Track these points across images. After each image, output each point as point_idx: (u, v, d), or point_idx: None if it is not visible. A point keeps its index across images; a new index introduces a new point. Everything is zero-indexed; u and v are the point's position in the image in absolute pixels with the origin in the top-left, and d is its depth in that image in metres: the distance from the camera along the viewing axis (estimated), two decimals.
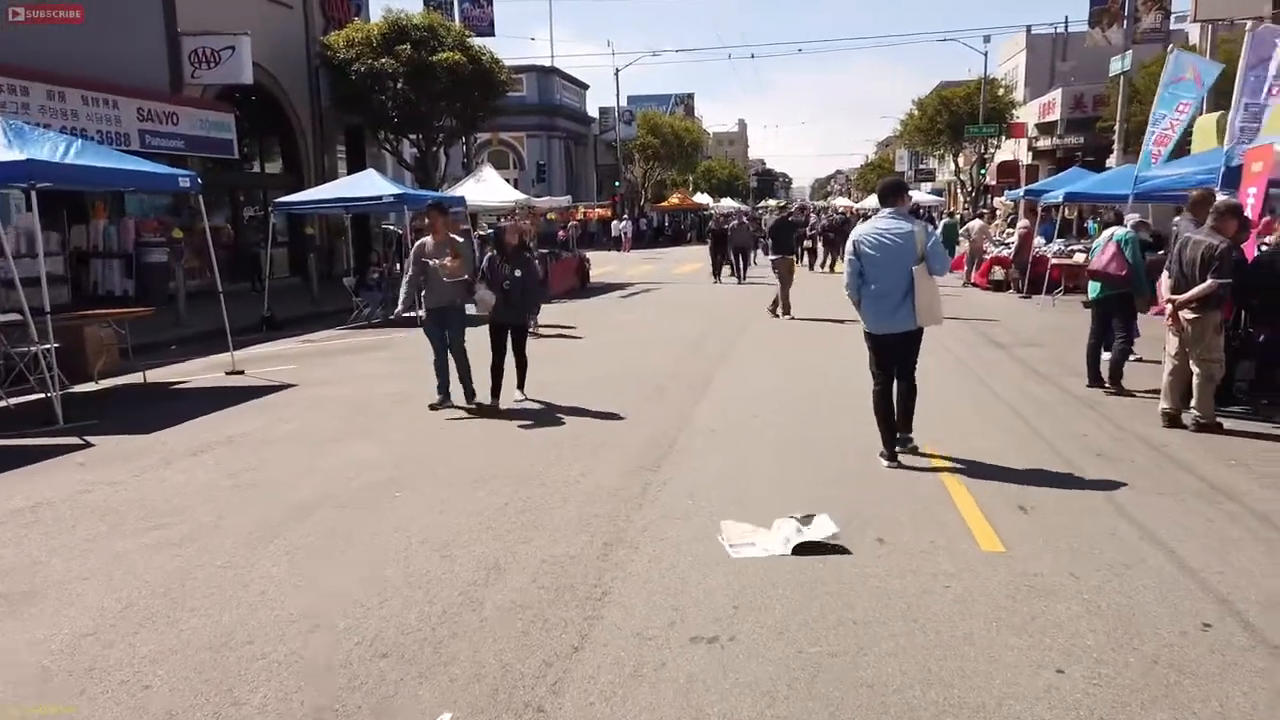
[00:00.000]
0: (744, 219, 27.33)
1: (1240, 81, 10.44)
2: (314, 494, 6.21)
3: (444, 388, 8.81)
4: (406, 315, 9.70)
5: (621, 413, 8.41)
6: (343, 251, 25.23)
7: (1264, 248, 8.11)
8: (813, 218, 34.34)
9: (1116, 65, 28.32)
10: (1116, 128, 27.89)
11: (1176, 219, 9.42)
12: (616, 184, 53.91)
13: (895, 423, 6.65)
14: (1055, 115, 43.26)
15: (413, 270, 8.83)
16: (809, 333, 13.95)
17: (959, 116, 45.47)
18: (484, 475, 6.53)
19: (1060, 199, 17.11)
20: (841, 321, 13.74)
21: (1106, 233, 9.33)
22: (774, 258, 16.74)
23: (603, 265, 29.29)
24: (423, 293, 8.90)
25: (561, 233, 27.86)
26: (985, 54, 45.50)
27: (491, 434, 7.82)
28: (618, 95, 53.02)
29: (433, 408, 8.71)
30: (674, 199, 56.50)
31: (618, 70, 51.22)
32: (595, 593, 4.45)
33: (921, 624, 4.03)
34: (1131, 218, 10.12)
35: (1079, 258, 17.66)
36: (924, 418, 7.71)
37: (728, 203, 60.05)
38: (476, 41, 27.56)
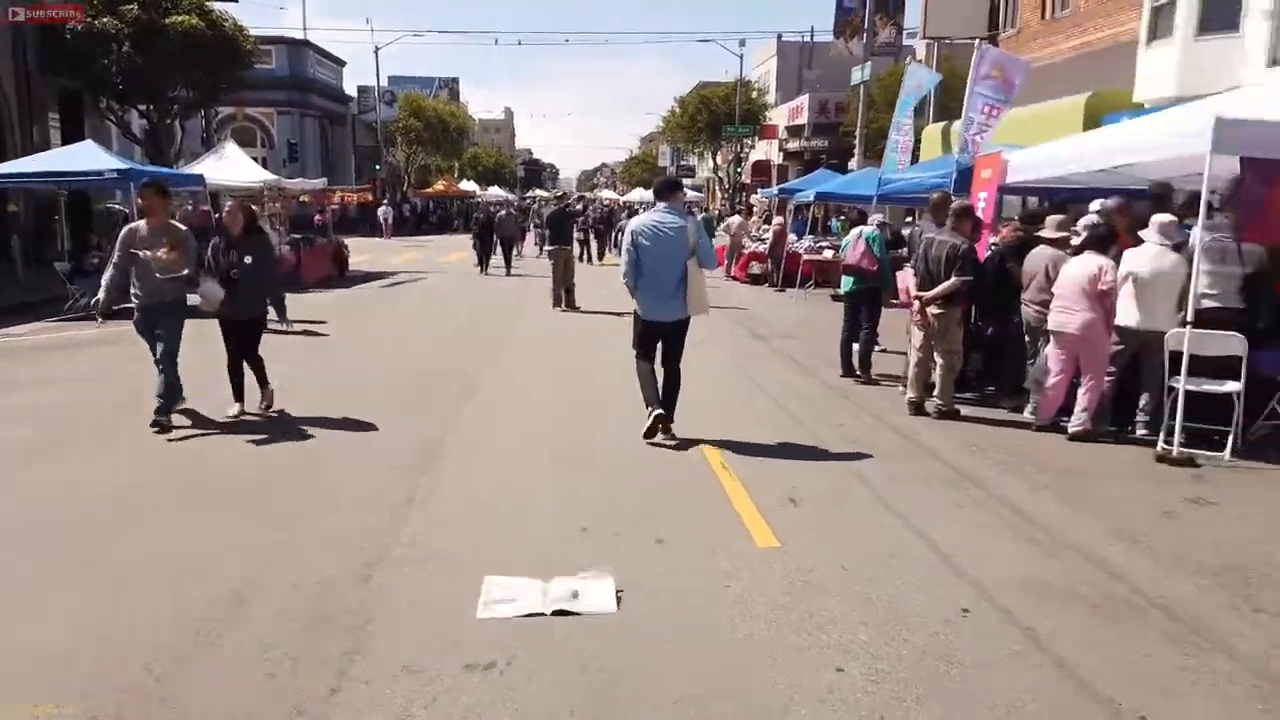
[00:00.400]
0: (511, 209, 26.83)
1: (969, 94, 11.39)
2: (7, 521, 5.24)
3: (168, 395, 7.38)
4: (115, 310, 7.69)
5: (383, 415, 7.84)
6: (57, 233, 22.25)
7: (993, 247, 8.84)
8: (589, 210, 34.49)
9: (857, 75, 30.57)
10: (857, 133, 30.08)
11: (910, 219, 10.15)
12: (377, 167, 51.57)
13: (659, 393, 6.97)
14: (803, 119, 46.13)
15: (118, 258, 7.30)
16: (584, 325, 13.85)
17: (717, 116, 47.40)
18: (221, 493, 5.80)
19: (811, 198, 18.13)
20: (620, 314, 13.73)
21: (855, 231, 9.87)
22: (551, 248, 16.50)
23: (363, 252, 27.83)
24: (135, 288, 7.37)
25: (319, 217, 26.17)
26: (741, 57, 47.79)
27: (229, 446, 6.96)
28: (378, 74, 50.70)
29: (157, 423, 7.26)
30: (439, 185, 54.92)
31: (377, 48, 49.05)
32: (356, 621, 3.99)
33: (707, 629, 3.92)
34: (875, 217, 10.77)
35: (828, 254, 18.83)
36: (695, 410, 7.78)
37: (495, 191, 59.24)
38: (218, 5, 25.22)
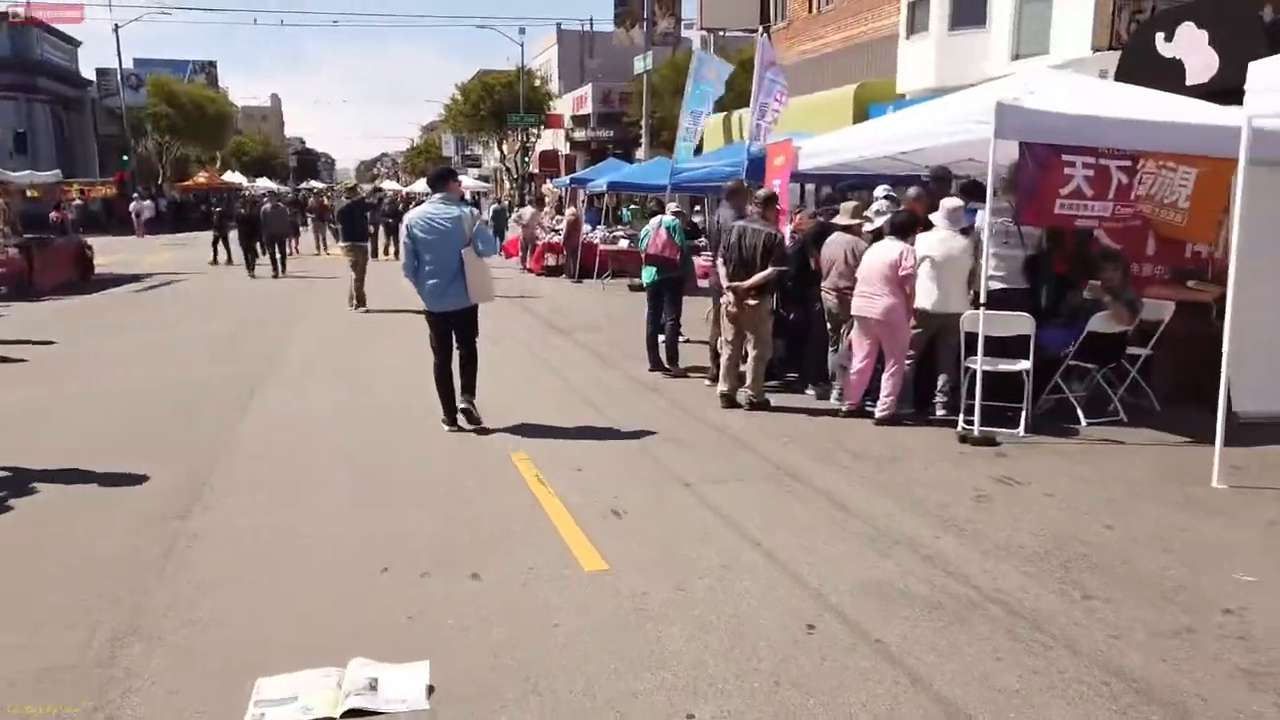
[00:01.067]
0: (279, 202, 24.33)
1: (756, 82, 11.42)
2: None
3: None
4: None
5: (134, 445, 6.73)
6: None
7: (795, 236, 8.83)
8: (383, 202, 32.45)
9: (640, 64, 30.75)
10: (643, 123, 30.27)
11: (697, 208, 10.06)
12: (125, 158, 46.58)
13: (454, 393, 7.10)
14: (588, 109, 46.12)
15: None
16: (376, 326, 12.84)
17: (501, 104, 46.42)
18: None
19: (604, 188, 17.88)
20: (419, 312, 12.85)
21: (655, 220, 9.61)
22: (345, 244, 15.18)
23: (113, 252, 24.95)
24: None
25: (56, 214, 23.06)
26: (522, 45, 46.92)
27: None
28: (119, 56, 45.79)
29: None
30: (200, 178, 50.47)
31: (117, 26, 44.22)
32: (96, 719, 3.18)
33: (538, 690, 3.41)
34: (671, 206, 10.62)
35: (624, 244, 18.67)
36: (502, 415, 7.27)
37: (264, 183, 55.22)
38: None
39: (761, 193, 8.44)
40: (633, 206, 27.46)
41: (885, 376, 7.35)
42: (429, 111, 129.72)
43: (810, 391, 8.38)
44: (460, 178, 9.06)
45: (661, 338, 9.52)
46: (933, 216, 7.54)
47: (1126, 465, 6.16)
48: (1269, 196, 6.90)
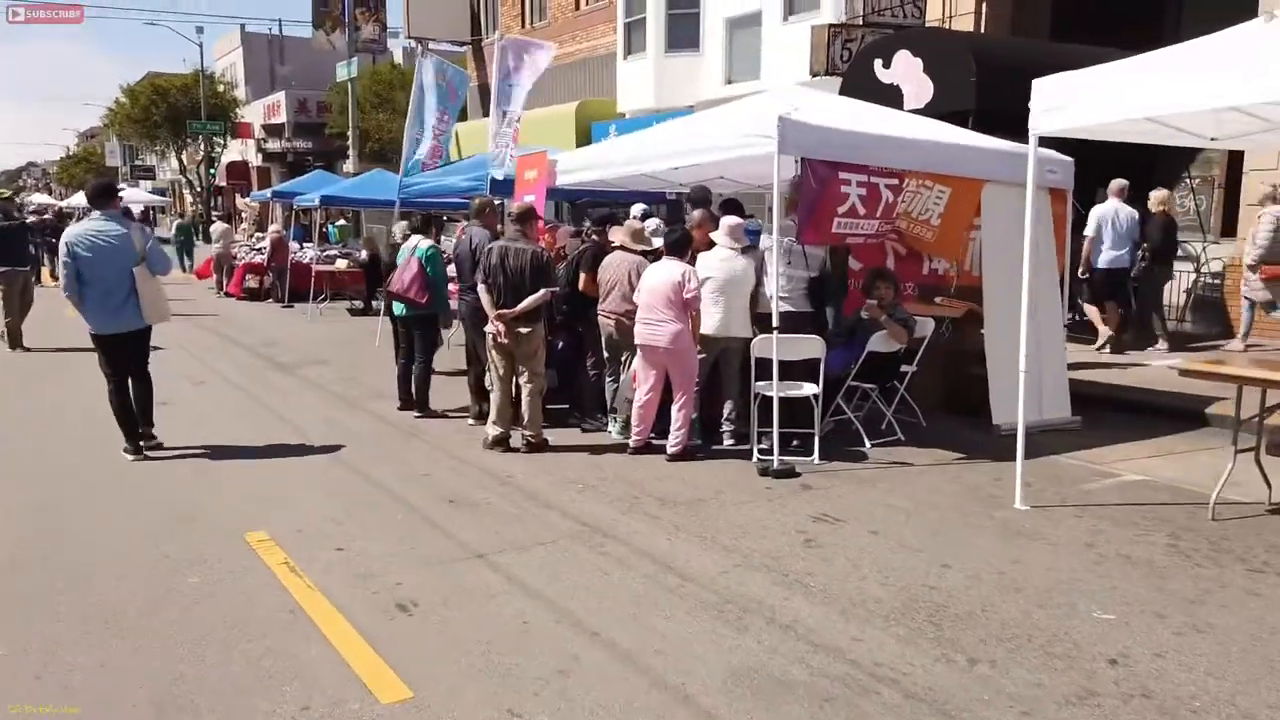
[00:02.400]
0: None
1: (496, 91, 10.59)
2: None
3: None
4: None
5: None
6: None
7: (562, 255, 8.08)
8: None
9: (343, 71, 28.67)
10: (350, 133, 28.25)
11: (466, 225, 9.08)
12: None
13: (135, 418, 6.75)
14: (282, 118, 42.68)
15: None
16: (36, 367, 10.37)
17: (179, 110, 41.81)
18: None
19: (317, 203, 16.10)
20: (87, 349, 10.57)
21: (409, 244, 8.42)
22: (3, 270, 12.10)
23: None
24: None
25: None
26: (200, 45, 42.39)
27: None
28: None
29: None
30: None
31: None
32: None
33: None
34: (401, 225, 9.46)
35: (341, 265, 16.96)
36: (226, 481, 5.89)
37: None
38: None
39: (517, 207, 7.60)
40: (341, 223, 25.41)
41: (675, 408, 6.78)
42: (89, 116, 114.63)
43: (587, 426, 7.66)
44: (129, 190, 7.64)
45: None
46: (714, 235, 7.12)
47: (927, 489, 6.02)
48: (1007, 214, 7.21)
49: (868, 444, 7.01)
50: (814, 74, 14.26)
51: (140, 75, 47.44)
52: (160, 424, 7.01)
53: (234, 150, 46.01)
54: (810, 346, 6.64)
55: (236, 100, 45.02)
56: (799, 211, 6.60)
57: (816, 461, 6.60)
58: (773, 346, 6.39)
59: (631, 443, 6.96)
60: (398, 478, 6.26)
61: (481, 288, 7.05)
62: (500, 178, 9.79)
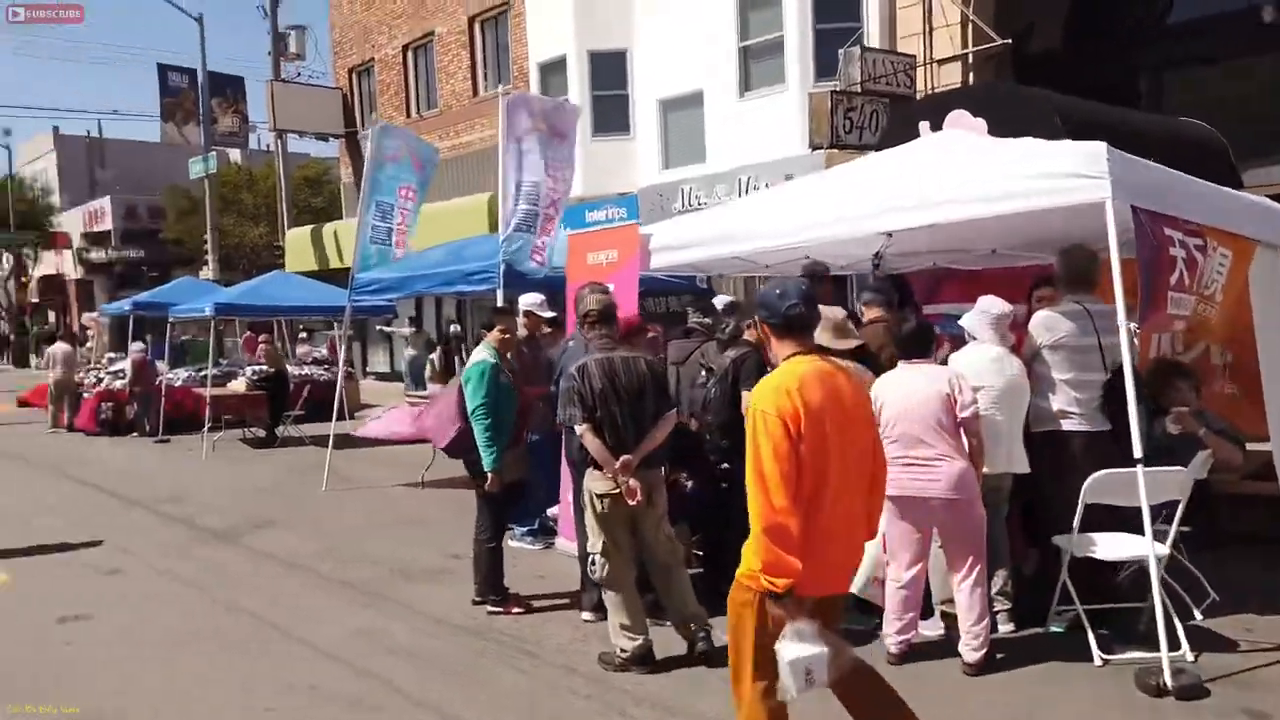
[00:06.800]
0: None
1: (510, 156, 8.30)
2: None
3: None
4: None
5: None
6: None
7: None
8: None
9: (198, 168, 25.28)
10: (209, 235, 24.69)
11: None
12: None
13: None
14: (107, 225, 38.02)
15: None
16: None
17: None
18: None
19: (210, 311, 12.80)
20: None
21: (474, 365, 5.62)
22: None
23: None
24: None
25: None
26: (9, 148, 37.50)
27: None
28: None
29: None
30: None
31: None
32: None
33: None
34: (404, 329, 6.79)
35: (237, 385, 13.59)
36: None
37: None
38: None
39: (597, 301, 5.01)
40: (199, 339, 21.55)
41: (964, 593, 4.42)
42: None
43: None
44: None
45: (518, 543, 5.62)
46: (964, 321, 4.93)
47: None
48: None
49: (1197, 614, 4.87)
50: (814, 146, 12.62)
51: None
52: (73, 681, 3.99)
53: (48, 263, 40.53)
54: (1171, 484, 4.47)
55: (52, 207, 39.87)
56: (1139, 283, 4.51)
57: (1190, 658, 4.37)
58: (1138, 482, 4.18)
59: (893, 647, 4.49)
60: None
61: (584, 428, 4.49)
62: (540, 274, 7.43)
